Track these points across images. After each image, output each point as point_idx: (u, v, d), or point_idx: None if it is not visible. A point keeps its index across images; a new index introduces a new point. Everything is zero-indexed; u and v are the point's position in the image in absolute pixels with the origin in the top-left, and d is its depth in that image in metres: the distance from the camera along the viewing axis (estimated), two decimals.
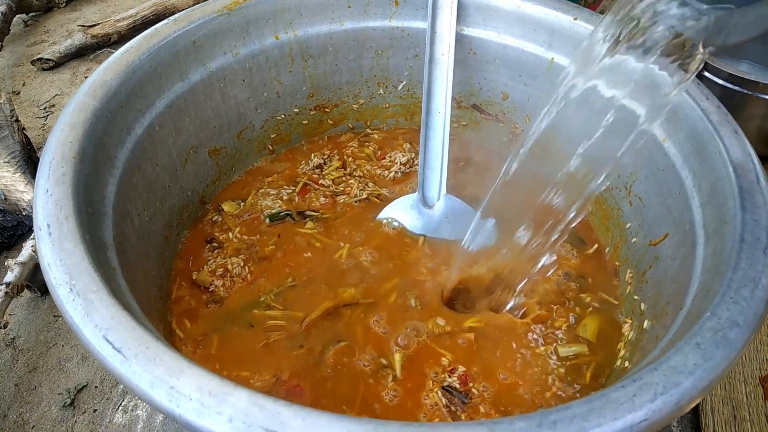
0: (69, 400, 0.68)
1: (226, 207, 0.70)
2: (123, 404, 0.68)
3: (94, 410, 0.68)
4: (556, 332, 0.58)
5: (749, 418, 0.64)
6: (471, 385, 0.53)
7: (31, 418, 0.67)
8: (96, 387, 0.70)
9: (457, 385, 0.53)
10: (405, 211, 0.68)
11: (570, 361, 0.56)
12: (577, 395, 0.53)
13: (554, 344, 0.57)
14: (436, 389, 0.53)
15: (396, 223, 0.68)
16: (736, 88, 0.90)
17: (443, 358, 0.55)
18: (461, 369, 0.54)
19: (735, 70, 0.89)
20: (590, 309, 0.60)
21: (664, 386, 0.34)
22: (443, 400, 0.52)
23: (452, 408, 0.51)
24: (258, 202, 0.71)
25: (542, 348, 0.57)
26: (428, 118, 0.69)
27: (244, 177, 0.75)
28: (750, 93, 0.90)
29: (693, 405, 0.34)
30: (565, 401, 0.43)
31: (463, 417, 0.51)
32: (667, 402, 0.33)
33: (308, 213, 0.69)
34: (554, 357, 0.56)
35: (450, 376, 0.54)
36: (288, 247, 0.65)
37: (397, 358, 0.55)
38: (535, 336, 0.58)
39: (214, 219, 0.69)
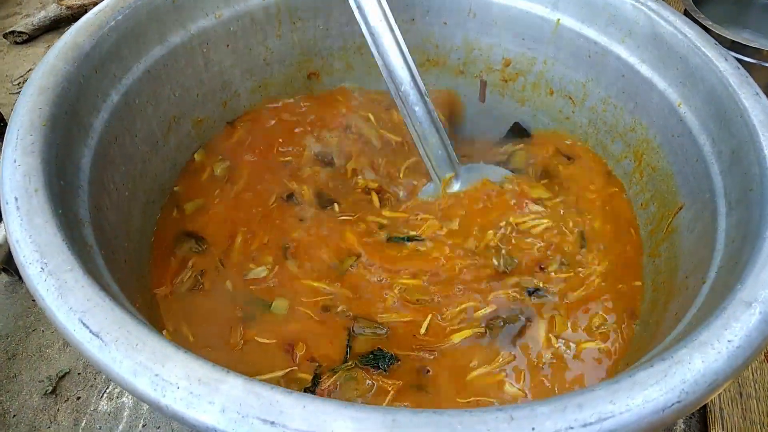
0: (51, 388, 0.65)
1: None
2: (108, 391, 0.64)
3: (78, 398, 0.65)
4: None
5: (755, 395, 0.63)
6: None
7: (12, 407, 0.64)
8: (79, 374, 0.67)
9: None
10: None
11: None
12: None
13: None
14: None
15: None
16: (740, 56, 0.87)
17: None
18: None
19: (738, 38, 0.86)
20: None
21: (696, 364, 0.31)
22: None
23: None
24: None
25: None
26: (402, 96, 0.62)
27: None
28: (754, 61, 0.87)
29: (726, 385, 0.31)
30: None
31: None
32: (700, 382, 0.31)
33: None
34: None
35: None
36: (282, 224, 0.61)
37: None
38: None
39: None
